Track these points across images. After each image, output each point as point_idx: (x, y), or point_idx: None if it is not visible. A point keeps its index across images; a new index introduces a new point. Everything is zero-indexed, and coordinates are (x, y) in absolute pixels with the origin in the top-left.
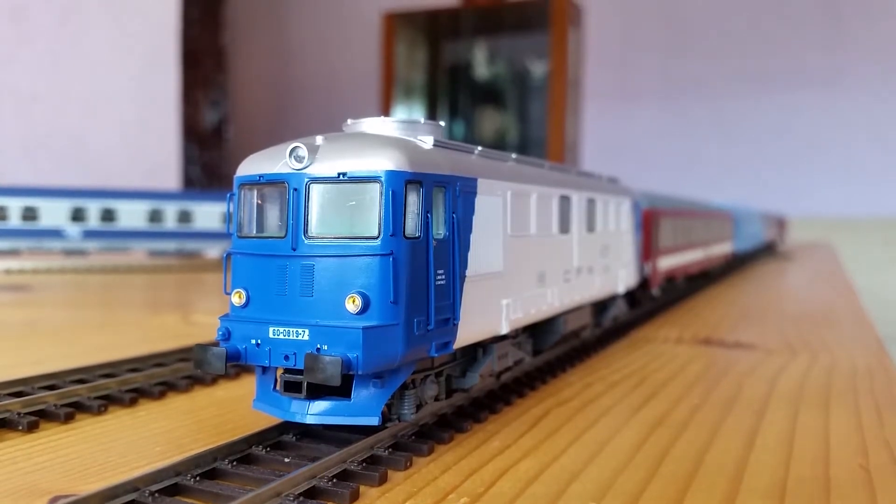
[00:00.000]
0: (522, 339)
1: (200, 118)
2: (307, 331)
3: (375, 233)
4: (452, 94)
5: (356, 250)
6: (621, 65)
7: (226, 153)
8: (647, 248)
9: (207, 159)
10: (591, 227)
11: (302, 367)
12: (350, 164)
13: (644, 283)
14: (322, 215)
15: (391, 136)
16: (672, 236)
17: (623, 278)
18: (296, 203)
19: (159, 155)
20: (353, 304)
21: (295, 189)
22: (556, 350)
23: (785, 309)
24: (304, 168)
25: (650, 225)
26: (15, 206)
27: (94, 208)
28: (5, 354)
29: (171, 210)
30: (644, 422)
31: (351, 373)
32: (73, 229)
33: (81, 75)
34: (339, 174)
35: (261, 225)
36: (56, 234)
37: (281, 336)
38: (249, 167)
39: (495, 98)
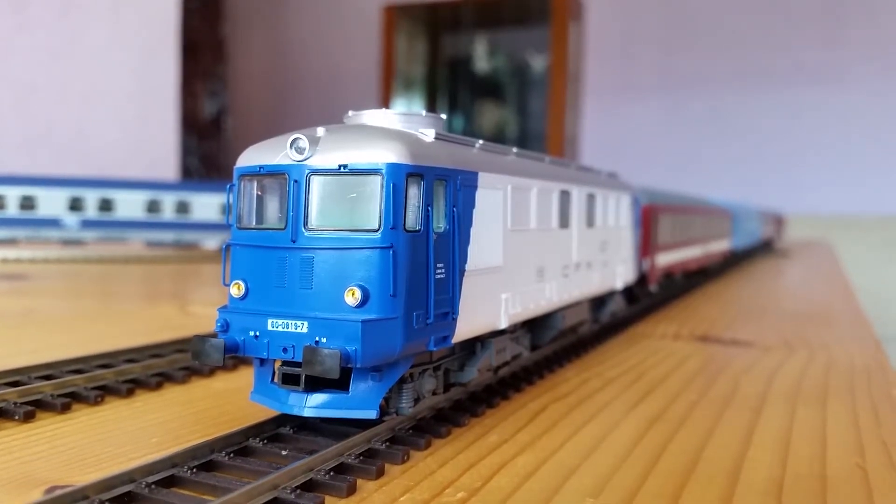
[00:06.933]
0: (520, 334)
1: (199, 109)
2: (306, 323)
3: (376, 225)
4: (452, 88)
5: (356, 243)
6: (621, 60)
7: (224, 144)
8: (646, 244)
9: (206, 150)
10: (590, 222)
11: (300, 360)
12: (351, 156)
13: (642, 279)
14: (322, 207)
15: (392, 129)
16: (671, 232)
17: (621, 274)
18: (296, 195)
19: (158, 146)
20: (352, 297)
21: (295, 181)
22: (553, 345)
23: (782, 306)
24: (305, 160)
25: (649, 221)
26: (13, 194)
27: (91, 198)
28: (2, 344)
29: (169, 201)
30: (641, 418)
31: (349, 366)
32: (71, 219)
33: (80, 66)
34: (339, 166)
35: (260, 216)
36: (54, 223)
37: (280, 328)
38: (249, 158)
39: (495, 92)
